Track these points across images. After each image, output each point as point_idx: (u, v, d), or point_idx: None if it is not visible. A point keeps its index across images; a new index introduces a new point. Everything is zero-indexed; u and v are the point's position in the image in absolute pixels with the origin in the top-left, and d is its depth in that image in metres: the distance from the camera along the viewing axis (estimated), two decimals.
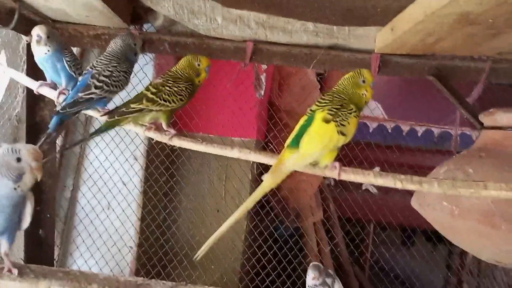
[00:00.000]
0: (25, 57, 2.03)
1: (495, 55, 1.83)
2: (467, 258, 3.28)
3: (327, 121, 1.23)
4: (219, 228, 1.31)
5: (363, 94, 1.34)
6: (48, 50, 1.62)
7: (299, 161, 1.23)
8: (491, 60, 1.87)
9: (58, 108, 1.50)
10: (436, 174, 1.59)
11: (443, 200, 1.49)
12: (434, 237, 3.35)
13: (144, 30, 2.08)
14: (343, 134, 1.23)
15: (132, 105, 1.46)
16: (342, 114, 1.25)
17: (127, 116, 1.47)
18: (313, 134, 1.23)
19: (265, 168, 1.36)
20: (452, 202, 1.46)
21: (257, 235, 2.84)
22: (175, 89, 1.51)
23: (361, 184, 3.57)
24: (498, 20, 1.27)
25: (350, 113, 1.26)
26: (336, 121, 1.23)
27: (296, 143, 1.23)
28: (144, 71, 2.51)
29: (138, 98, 1.49)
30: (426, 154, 3.33)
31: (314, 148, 1.22)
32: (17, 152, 1.16)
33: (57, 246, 2.58)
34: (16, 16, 1.74)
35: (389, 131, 3.74)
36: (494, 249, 1.45)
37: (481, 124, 1.68)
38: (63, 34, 1.97)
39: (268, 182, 1.27)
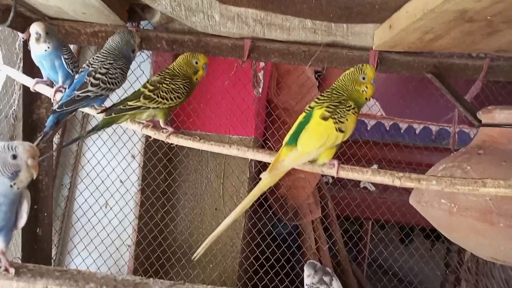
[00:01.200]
0: (21, 55, 2.02)
1: (493, 53, 1.84)
2: (465, 256, 3.29)
3: (325, 118, 1.22)
4: (218, 227, 1.30)
5: (363, 91, 1.31)
6: (48, 47, 1.60)
7: (297, 159, 1.22)
8: (489, 58, 1.88)
9: (55, 106, 1.49)
10: (434, 172, 1.59)
11: (441, 197, 1.49)
12: (432, 235, 3.35)
13: (141, 27, 2.07)
14: (341, 131, 1.21)
15: (129, 103, 1.45)
16: (340, 111, 1.23)
17: (125, 113, 1.46)
18: (311, 131, 1.22)
19: (263, 166, 1.35)
20: (450, 200, 1.45)
21: (255, 233, 2.84)
22: (173, 86, 1.50)
23: (359, 182, 3.57)
24: (496, 17, 1.27)
25: (349, 110, 1.24)
26: (334, 118, 1.21)
27: (294, 140, 1.22)
28: (141, 69, 2.50)
29: (136, 95, 1.48)
30: (424, 152, 3.33)
31: (312, 145, 1.20)
32: (13, 149, 1.15)
33: (55, 245, 2.58)
34: (12, 13, 1.72)
35: (387, 128, 3.75)
36: (492, 246, 1.45)
37: (479, 121, 1.68)
38: (59, 32, 1.95)
39: (266, 180, 1.26)
